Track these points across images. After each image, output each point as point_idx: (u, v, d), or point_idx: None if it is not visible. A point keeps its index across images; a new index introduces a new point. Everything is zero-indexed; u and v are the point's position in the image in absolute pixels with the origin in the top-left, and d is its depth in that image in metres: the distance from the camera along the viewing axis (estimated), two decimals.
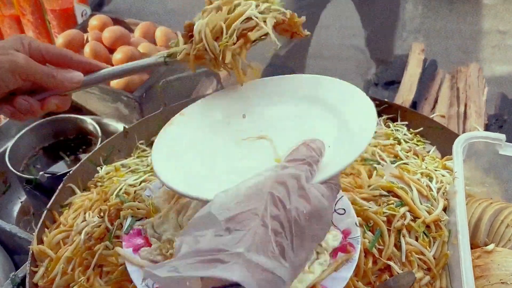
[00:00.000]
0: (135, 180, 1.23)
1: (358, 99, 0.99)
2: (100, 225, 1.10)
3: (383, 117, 1.54)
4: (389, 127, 1.47)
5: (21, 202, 1.74)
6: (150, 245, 1.00)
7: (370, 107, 0.95)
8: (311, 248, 0.73)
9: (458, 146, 1.10)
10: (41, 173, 1.46)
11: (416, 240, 1.05)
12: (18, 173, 1.52)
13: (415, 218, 1.08)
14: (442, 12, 4.60)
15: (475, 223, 1.10)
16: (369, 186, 1.14)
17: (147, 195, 1.10)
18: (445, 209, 1.11)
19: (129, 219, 1.05)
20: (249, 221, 0.67)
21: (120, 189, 1.21)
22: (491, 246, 1.02)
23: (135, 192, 1.13)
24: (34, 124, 1.64)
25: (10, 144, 1.60)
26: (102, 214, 1.12)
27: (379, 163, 1.23)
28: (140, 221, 1.04)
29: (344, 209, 1.03)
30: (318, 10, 3.01)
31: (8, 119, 1.73)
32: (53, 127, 1.66)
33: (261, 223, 0.66)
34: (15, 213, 1.72)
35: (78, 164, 1.39)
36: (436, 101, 1.83)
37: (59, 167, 1.68)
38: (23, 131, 1.62)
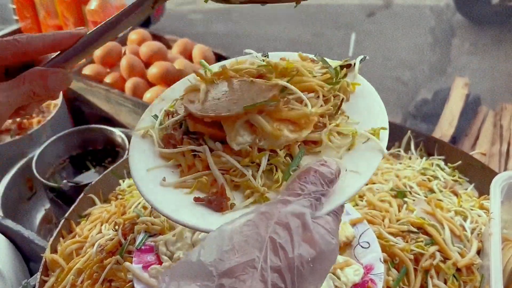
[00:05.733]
0: None
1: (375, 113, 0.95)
2: (113, 239, 1.07)
3: (420, 150, 1.48)
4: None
5: (45, 210, 1.73)
6: (161, 263, 0.95)
7: (384, 122, 0.90)
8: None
9: (497, 185, 1.03)
10: (64, 181, 1.45)
11: (445, 283, 0.98)
12: (43, 180, 1.52)
13: (445, 259, 1.00)
14: (490, 51, 4.49)
15: (511, 269, 1.01)
16: (397, 220, 1.07)
17: None
18: (478, 252, 1.03)
19: (142, 234, 1.01)
20: (246, 276, 0.59)
21: (139, 203, 1.17)
22: None
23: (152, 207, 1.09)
24: (63, 133, 1.64)
25: (38, 150, 1.60)
26: (116, 227, 1.08)
27: (409, 196, 1.16)
28: (154, 237, 1.00)
29: (369, 243, 0.97)
30: None
31: (39, 125, 1.73)
32: (81, 136, 1.66)
33: (260, 278, 0.59)
34: (37, 220, 1.71)
35: (100, 175, 1.37)
36: (477, 138, 1.74)
37: (85, 177, 1.68)
38: (52, 138, 1.62)
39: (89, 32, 0.88)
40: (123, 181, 1.37)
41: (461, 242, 1.05)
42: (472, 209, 1.18)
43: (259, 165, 0.85)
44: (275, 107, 0.87)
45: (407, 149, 1.49)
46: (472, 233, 1.08)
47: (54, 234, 1.22)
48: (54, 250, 1.19)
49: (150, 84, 1.81)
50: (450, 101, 1.80)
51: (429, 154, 1.48)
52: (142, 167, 0.90)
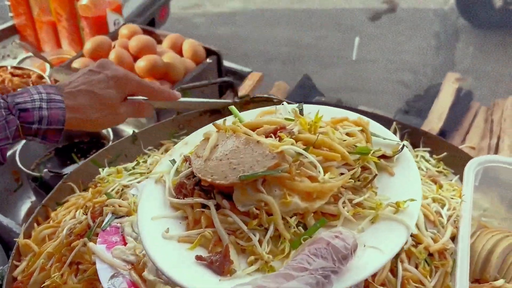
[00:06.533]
0: (130, 181, 1.18)
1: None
2: (82, 222, 1.06)
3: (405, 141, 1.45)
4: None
5: (31, 202, 1.73)
6: (126, 244, 0.94)
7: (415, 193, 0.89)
8: None
9: (470, 169, 1.00)
10: (45, 170, 1.44)
11: (416, 267, 0.95)
12: (25, 169, 1.51)
13: (417, 243, 0.98)
14: (494, 54, 4.45)
15: (485, 255, 0.99)
16: None
17: (132, 194, 1.05)
18: (454, 238, 1.01)
19: (109, 216, 1.00)
20: None
21: (113, 189, 1.16)
22: (500, 282, 0.91)
23: (121, 189, 1.09)
24: None
25: (22, 142, 1.59)
26: (86, 210, 1.07)
27: None
28: (120, 219, 0.99)
29: None
30: None
31: None
32: (67, 129, 1.64)
33: None
34: (23, 212, 1.70)
35: (80, 164, 1.37)
36: (467, 133, 1.72)
37: (70, 169, 1.66)
38: None
39: (181, 99, 1.22)
40: (103, 170, 1.36)
41: (435, 227, 1.02)
42: (452, 198, 1.16)
43: (267, 229, 0.82)
44: (284, 174, 0.82)
45: None
46: (448, 219, 1.06)
47: (29, 220, 1.21)
48: (28, 236, 1.18)
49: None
50: (440, 96, 1.77)
51: (416, 146, 1.46)
52: (149, 215, 0.89)
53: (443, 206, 1.10)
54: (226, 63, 2.09)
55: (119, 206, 1.01)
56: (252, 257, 0.80)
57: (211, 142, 0.92)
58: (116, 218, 1.00)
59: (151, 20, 3.32)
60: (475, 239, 1.03)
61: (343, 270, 0.67)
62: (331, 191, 0.83)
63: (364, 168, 0.95)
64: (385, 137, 1.04)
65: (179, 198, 0.89)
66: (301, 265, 0.63)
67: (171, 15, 4.16)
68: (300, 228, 0.82)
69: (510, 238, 1.00)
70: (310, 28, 4.99)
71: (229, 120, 1.05)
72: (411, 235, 0.98)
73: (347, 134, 1.01)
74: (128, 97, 1.15)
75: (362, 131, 1.03)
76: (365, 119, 1.08)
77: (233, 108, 1.10)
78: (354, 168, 0.91)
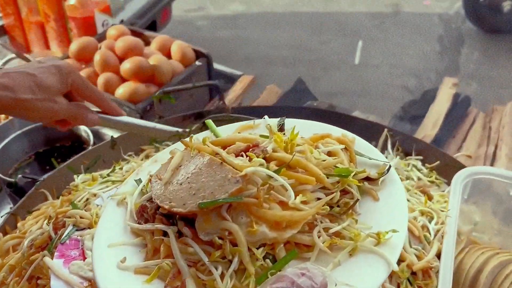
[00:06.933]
0: (101, 189, 1.12)
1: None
2: (44, 233, 0.99)
3: (397, 150, 1.39)
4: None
5: (10, 208, 1.66)
6: (85, 258, 0.88)
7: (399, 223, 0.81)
8: None
9: (458, 181, 0.93)
10: (19, 176, 1.38)
11: (398, 287, 0.88)
12: (1, 175, 1.45)
13: (399, 261, 0.90)
14: (500, 59, 4.36)
15: (474, 274, 0.91)
16: None
17: (96, 204, 0.98)
18: (440, 255, 0.94)
19: (69, 228, 0.94)
20: None
21: (82, 198, 1.10)
22: None
23: (87, 199, 1.02)
24: (27, 128, 1.57)
25: (0, 145, 1.54)
26: (49, 221, 1.01)
27: None
28: (81, 231, 0.92)
29: None
30: None
31: (6, 120, 1.68)
32: (46, 132, 1.59)
33: None
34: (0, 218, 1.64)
35: (54, 170, 1.31)
36: (464, 141, 1.64)
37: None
38: (15, 134, 1.56)
39: (125, 118, 1.14)
40: (78, 176, 1.29)
41: (420, 243, 0.95)
42: (442, 210, 1.09)
43: (232, 261, 0.74)
44: (250, 200, 0.74)
45: (384, 148, 1.40)
46: (436, 235, 0.98)
47: None
48: None
49: (123, 80, 1.74)
50: (436, 102, 1.70)
51: (408, 154, 1.39)
52: (106, 242, 0.81)
53: (431, 219, 1.03)
54: (218, 66, 2.03)
55: (80, 217, 0.95)
56: None
57: (173, 163, 0.84)
58: (77, 230, 0.93)
59: (153, 22, 3.27)
60: (464, 255, 0.96)
61: None
62: (303, 219, 0.75)
63: (345, 192, 0.86)
64: (371, 157, 0.95)
65: (140, 223, 0.82)
66: None
67: (174, 18, 4.11)
68: (268, 261, 0.74)
69: (500, 256, 0.92)
70: (313, 32, 4.93)
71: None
72: None
73: (329, 152, 0.92)
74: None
75: (346, 149, 0.94)
76: (350, 135, 0.99)
77: (209, 122, 1.03)
78: (332, 193, 0.84)
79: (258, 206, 0.74)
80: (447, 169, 1.31)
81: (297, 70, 4.25)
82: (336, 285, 0.66)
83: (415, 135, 1.59)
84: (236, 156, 0.84)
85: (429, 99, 1.80)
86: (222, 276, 0.73)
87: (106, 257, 0.77)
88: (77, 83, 1.06)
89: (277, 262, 0.74)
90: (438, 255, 0.93)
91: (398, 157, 1.33)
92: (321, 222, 0.79)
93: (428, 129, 1.59)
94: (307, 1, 5.64)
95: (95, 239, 0.82)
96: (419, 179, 1.26)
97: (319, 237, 0.77)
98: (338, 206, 0.84)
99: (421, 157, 1.35)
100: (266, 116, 1.05)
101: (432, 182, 1.28)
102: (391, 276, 0.89)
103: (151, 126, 1.16)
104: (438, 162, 1.32)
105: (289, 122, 0.99)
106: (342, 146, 0.93)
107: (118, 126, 1.14)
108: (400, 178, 1.22)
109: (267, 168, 0.80)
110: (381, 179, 0.90)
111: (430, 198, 1.15)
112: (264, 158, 0.83)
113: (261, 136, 0.93)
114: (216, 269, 0.73)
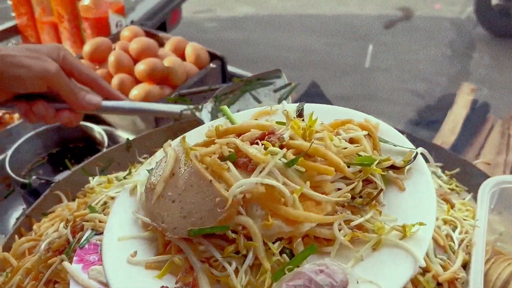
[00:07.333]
0: (117, 192, 1.10)
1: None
2: (62, 237, 0.98)
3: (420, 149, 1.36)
4: None
5: (23, 209, 1.65)
6: None
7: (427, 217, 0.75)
8: None
9: (485, 190, 0.91)
10: (34, 177, 1.37)
11: None
12: (14, 176, 1.44)
13: (424, 271, 0.88)
14: (510, 64, 4.34)
15: (501, 285, 0.89)
16: None
17: None
18: (465, 266, 0.92)
19: (88, 232, 0.92)
20: None
21: (99, 201, 1.08)
22: None
23: (105, 203, 1.01)
24: (41, 129, 1.56)
25: (14, 146, 1.52)
26: (67, 224, 0.99)
27: None
28: (100, 236, 0.91)
29: None
30: None
31: (20, 121, 1.67)
32: (60, 133, 1.58)
33: None
34: (13, 219, 1.63)
35: (70, 172, 1.29)
36: (482, 148, 1.62)
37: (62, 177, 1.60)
38: (28, 135, 1.55)
39: (127, 102, 1.15)
40: (93, 179, 1.28)
41: (445, 253, 0.93)
42: (465, 219, 1.07)
43: (246, 256, 0.70)
44: (265, 194, 0.69)
45: None
46: (460, 244, 0.96)
47: (10, 232, 1.14)
48: (8, 249, 1.11)
49: (138, 81, 1.73)
50: (454, 108, 1.68)
51: (426, 161, 1.37)
52: (116, 234, 0.78)
53: (454, 228, 1.01)
54: (232, 68, 2.01)
55: (99, 221, 0.93)
56: None
57: (166, 172, 0.78)
58: (96, 234, 0.91)
59: (162, 24, 3.25)
60: (490, 266, 0.94)
61: None
62: (318, 221, 0.71)
63: (368, 182, 0.81)
64: (396, 144, 0.89)
65: None
66: None
67: (182, 19, 4.11)
68: (285, 255, 0.70)
69: None
70: (322, 35, 4.91)
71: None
72: None
73: (351, 139, 0.86)
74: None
75: (369, 135, 0.88)
76: (374, 120, 0.93)
77: (224, 108, 0.99)
78: (353, 183, 0.79)
79: (276, 201, 0.71)
80: (467, 176, 1.29)
81: (306, 73, 4.23)
82: (357, 282, 0.62)
83: (433, 141, 1.57)
84: (251, 144, 0.80)
85: (446, 105, 1.78)
86: (236, 272, 0.69)
87: (116, 251, 0.75)
88: (69, 59, 1.04)
89: (294, 257, 0.70)
90: (463, 266, 0.92)
91: None
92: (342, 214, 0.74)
93: (446, 136, 1.57)
94: (316, 4, 5.62)
95: (105, 232, 0.80)
96: (439, 186, 1.24)
97: (340, 230, 0.73)
98: (360, 197, 0.79)
99: (440, 164, 1.33)
100: (284, 102, 1.01)
101: (452, 189, 1.26)
102: (417, 286, 0.87)
103: (154, 108, 1.17)
104: (458, 169, 1.30)
105: (309, 107, 0.93)
106: (365, 132, 0.87)
107: (120, 111, 1.15)
108: None
109: (284, 157, 0.75)
110: (407, 167, 0.84)
111: (452, 206, 1.13)
112: (280, 147, 0.78)
113: (278, 123, 0.87)
114: (230, 264, 0.69)
